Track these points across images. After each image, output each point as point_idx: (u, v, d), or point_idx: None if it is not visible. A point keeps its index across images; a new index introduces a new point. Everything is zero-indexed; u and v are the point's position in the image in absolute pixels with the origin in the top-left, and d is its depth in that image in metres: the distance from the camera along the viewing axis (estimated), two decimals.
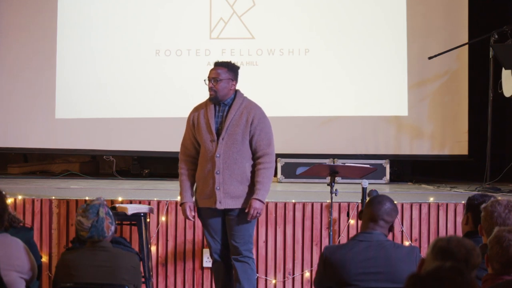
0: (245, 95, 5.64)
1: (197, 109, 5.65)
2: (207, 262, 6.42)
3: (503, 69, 7.84)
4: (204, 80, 5.58)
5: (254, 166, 5.51)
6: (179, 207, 6.19)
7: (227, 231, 5.55)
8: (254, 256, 6.40)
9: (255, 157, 5.51)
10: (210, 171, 5.47)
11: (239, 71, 5.65)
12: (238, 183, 5.46)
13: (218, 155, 5.45)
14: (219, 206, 5.47)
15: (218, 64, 5.63)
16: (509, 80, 7.79)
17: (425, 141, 8.77)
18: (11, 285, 4.11)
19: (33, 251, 4.47)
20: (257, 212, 5.44)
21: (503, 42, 7.88)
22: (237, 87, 5.62)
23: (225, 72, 5.55)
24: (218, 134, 5.49)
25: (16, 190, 6.89)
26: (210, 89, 5.54)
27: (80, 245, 4.44)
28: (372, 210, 4.20)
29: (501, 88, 7.86)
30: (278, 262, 6.54)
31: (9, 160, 9.66)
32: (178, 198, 5.86)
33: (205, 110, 5.57)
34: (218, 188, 5.45)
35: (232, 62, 5.67)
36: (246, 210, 5.44)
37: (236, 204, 5.47)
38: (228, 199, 5.46)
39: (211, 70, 5.62)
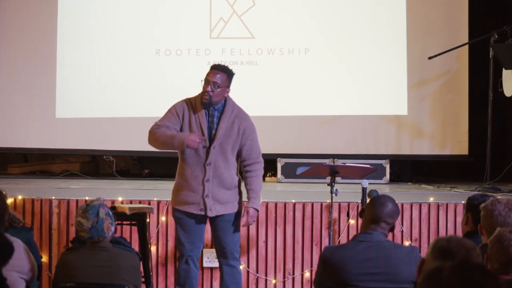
0: (236, 99, 5.53)
1: (188, 106, 5.44)
2: (207, 262, 6.42)
3: (504, 68, 7.84)
4: (201, 81, 5.41)
5: (242, 173, 5.53)
6: None
7: (216, 236, 5.52)
8: (254, 256, 6.40)
9: (245, 165, 5.49)
10: (199, 179, 5.41)
11: (235, 74, 5.53)
12: (226, 190, 5.44)
13: (209, 163, 5.39)
14: (210, 213, 5.43)
15: (219, 68, 5.43)
16: (510, 80, 7.78)
17: (425, 141, 8.77)
18: (11, 285, 4.10)
19: (33, 251, 4.47)
20: (253, 220, 5.49)
21: (503, 42, 7.88)
22: (236, 88, 5.58)
23: (225, 78, 5.39)
24: (210, 141, 5.40)
25: (16, 190, 6.87)
26: (207, 93, 5.35)
27: (80, 245, 4.43)
28: (374, 211, 4.18)
29: (501, 87, 7.87)
30: (278, 262, 6.53)
31: (9, 160, 9.65)
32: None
33: (196, 113, 5.42)
34: (207, 195, 5.41)
35: (230, 67, 5.49)
36: (243, 218, 5.44)
37: (225, 210, 5.45)
38: (218, 205, 5.43)
39: (213, 72, 5.40)
